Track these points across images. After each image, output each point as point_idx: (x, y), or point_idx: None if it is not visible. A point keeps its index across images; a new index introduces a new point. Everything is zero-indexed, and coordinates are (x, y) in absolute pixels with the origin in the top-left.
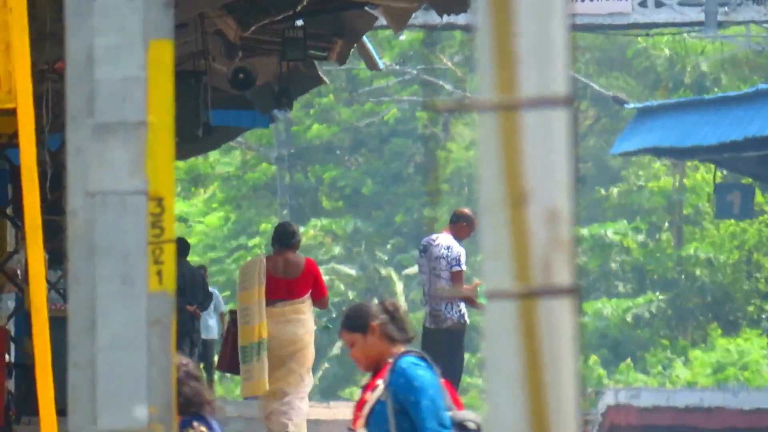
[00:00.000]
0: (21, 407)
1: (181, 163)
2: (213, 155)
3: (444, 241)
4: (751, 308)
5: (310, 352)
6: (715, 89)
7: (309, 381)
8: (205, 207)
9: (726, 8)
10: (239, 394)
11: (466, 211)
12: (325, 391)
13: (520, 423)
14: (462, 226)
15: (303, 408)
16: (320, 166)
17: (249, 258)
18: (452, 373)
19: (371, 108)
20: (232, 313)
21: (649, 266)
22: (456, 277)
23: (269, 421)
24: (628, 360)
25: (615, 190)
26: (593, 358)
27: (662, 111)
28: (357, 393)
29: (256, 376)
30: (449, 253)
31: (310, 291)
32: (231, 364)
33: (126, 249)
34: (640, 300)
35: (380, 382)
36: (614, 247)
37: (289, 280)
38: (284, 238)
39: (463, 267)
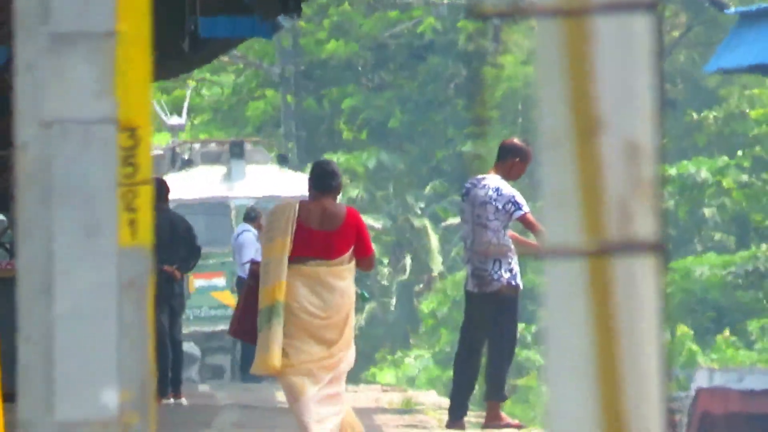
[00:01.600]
0: None
1: (163, 96)
2: (198, 76)
3: (492, 182)
4: None
5: (351, 327)
6: None
7: (350, 361)
8: (192, 137)
9: None
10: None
11: (517, 142)
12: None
13: (590, 411)
14: (514, 163)
15: (341, 391)
16: (337, 89)
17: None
18: (502, 346)
19: (399, 17)
20: (254, 264)
21: (754, 213)
22: (526, 223)
23: (301, 408)
24: (726, 332)
25: (711, 117)
26: (683, 330)
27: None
28: (381, 374)
29: (266, 349)
30: (498, 197)
31: (352, 248)
32: (241, 328)
33: (91, 192)
34: (742, 255)
35: None
36: (710, 189)
37: (326, 232)
38: (321, 181)
39: (525, 208)
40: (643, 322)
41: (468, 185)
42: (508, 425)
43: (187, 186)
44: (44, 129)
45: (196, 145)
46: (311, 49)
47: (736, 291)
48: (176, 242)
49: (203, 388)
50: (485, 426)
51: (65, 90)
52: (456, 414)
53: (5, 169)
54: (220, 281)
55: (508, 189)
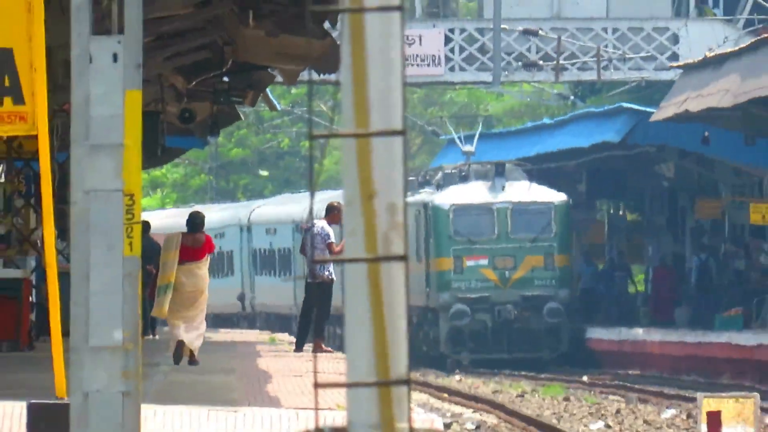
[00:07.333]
0: (39, 330)
1: (144, 175)
2: (165, 168)
3: (319, 224)
4: None
5: (206, 295)
6: (499, 126)
7: (204, 313)
8: (161, 201)
9: (506, 72)
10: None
11: (335, 203)
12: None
13: (369, 347)
14: (334, 215)
15: (203, 328)
16: (236, 175)
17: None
18: (322, 310)
19: (271, 136)
20: (155, 269)
21: None
22: (329, 247)
23: (186, 335)
24: None
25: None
26: None
27: (464, 141)
28: None
29: (161, 305)
30: (322, 232)
31: (208, 256)
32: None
33: (109, 227)
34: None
35: None
36: None
37: (195, 248)
38: (194, 224)
39: (333, 239)
40: (396, 294)
41: (309, 226)
42: (325, 351)
43: (464, 194)
44: (85, 194)
45: (474, 166)
46: (225, 155)
47: None
48: (153, 254)
49: (166, 328)
50: (313, 351)
51: (97, 173)
52: (299, 345)
53: (65, 215)
54: (485, 261)
55: (327, 228)
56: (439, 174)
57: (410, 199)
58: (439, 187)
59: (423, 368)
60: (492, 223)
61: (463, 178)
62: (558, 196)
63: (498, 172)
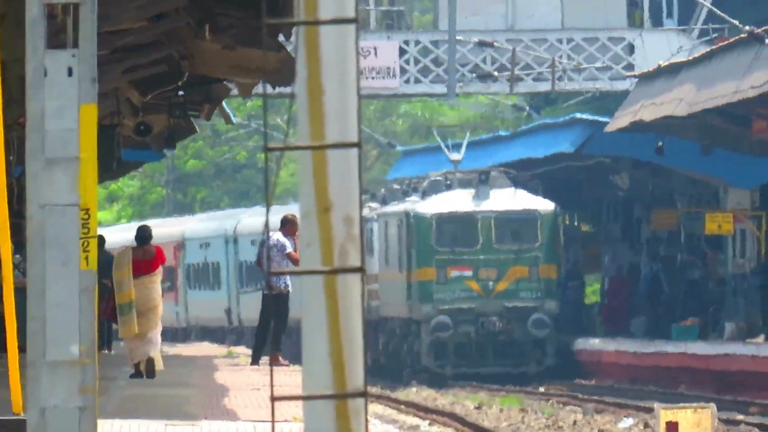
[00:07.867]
0: None
1: (100, 188)
2: (121, 181)
3: (275, 236)
4: None
5: (161, 307)
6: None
7: (160, 326)
8: (117, 215)
9: (461, 84)
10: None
11: (289, 216)
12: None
13: (326, 359)
14: (289, 228)
15: (158, 341)
16: (194, 188)
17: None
18: (280, 322)
19: (228, 149)
20: (109, 282)
21: None
22: (289, 256)
23: (134, 353)
24: None
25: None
26: None
27: (419, 152)
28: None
29: (130, 323)
30: (278, 243)
31: (160, 267)
32: (110, 315)
33: (65, 241)
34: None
35: None
36: None
37: (146, 261)
38: (143, 238)
39: (290, 249)
40: (352, 307)
41: (263, 239)
42: (281, 364)
43: (447, 203)
44: (41, 208)
45: (458, 174)
46: (181, 167)
47: None
48: (109, 268)
49: (122, 344)
50: (270, 364)
51: (53, 187)
52: (255, 358)
53: (21, 229)
54: (469, 272)
55: (283, 240)
56: (426, 182)
57: (392, 208)
58: (425, 195)
59: (380, 380)
60: (475, 233)
61: (448, 187)
62: (544, 204)
63: (482, 180)
